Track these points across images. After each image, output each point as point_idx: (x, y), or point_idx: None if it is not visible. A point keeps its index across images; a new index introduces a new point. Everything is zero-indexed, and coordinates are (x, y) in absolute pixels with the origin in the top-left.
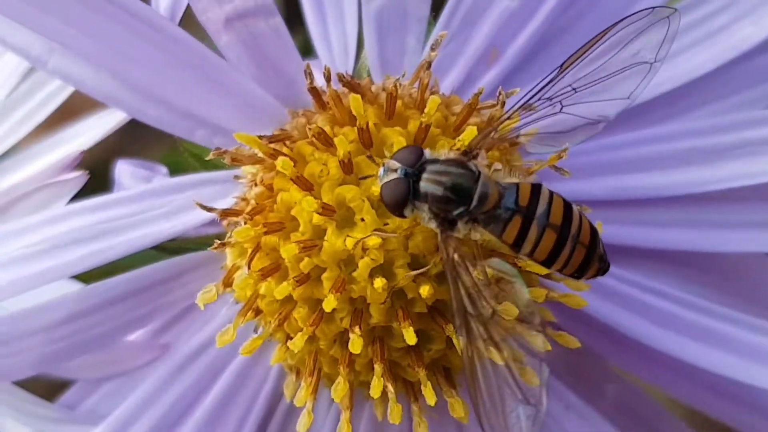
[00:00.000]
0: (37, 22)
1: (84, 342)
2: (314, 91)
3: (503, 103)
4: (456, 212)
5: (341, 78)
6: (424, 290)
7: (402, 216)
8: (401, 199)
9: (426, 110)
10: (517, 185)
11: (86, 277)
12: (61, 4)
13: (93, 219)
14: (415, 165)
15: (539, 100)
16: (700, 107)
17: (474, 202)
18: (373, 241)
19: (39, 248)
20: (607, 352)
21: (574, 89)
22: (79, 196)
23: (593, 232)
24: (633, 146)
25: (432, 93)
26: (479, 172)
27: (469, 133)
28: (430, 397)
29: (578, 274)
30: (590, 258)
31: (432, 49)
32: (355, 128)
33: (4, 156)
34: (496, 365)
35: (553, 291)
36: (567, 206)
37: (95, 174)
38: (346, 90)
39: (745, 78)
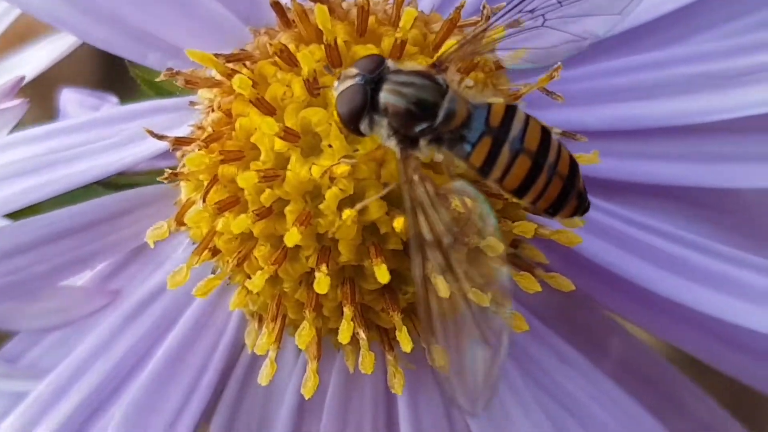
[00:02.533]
0: None
1: (21, 282)
2: (277, 6)
3: (488, 19)
4: (418, 129)
5: None
6: (399, 223)
7: (358, 132)
8: (357, 109)
9: (401, 24)
10: (489, 105)
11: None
12: None
13: (34, 150)
14: (375, 72)
15: (520, 12)
16: (707, 29)
17: (439, 119)
18: (342, 169)
19: None
20: (601, 297)
21: (559, 2)
22: None
23: (573, 164)
24: (634, 72)
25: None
26: (447, 86)
27: (448, 46)
28: (405, 344)
29: (553, 210)
30: (567, 193)
31: None
32: (322, 46)
33: None
34: (453, 297)
35: (544, 227)
36: (545, 132)
37: None
38: (312, 5)
39: None
